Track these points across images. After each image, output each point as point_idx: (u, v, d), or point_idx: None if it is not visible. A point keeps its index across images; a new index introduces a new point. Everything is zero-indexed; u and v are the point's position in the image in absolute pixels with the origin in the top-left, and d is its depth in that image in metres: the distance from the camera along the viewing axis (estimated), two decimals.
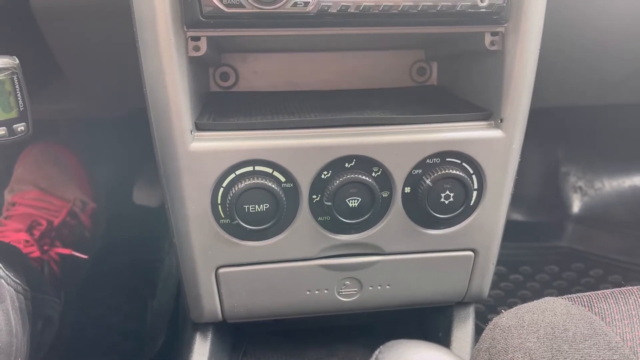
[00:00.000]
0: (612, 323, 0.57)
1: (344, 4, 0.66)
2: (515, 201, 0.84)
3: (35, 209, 1.28)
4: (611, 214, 1.69)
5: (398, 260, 0.85)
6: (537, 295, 1.36)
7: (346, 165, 0.76)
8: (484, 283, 0.91)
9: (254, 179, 0.73)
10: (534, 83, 0.76)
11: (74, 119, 1.49)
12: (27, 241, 1.17)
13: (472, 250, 0.86)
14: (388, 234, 0.81)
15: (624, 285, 0.64)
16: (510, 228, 0.89)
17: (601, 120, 1.61)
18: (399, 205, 0.79)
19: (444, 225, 0.82)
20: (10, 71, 0.72)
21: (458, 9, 0.68)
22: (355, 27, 0.71)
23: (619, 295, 0.61)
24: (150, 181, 1.67)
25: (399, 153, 0.76)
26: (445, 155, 0.77)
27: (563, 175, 1.73)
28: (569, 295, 0.63)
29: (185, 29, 0.68)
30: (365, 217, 0.77)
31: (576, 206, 1.71)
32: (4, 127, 0.74)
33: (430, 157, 0.77)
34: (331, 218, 0.78)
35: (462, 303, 0.95)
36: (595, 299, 0.61)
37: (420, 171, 0.77)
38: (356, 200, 0.76)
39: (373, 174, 0.77)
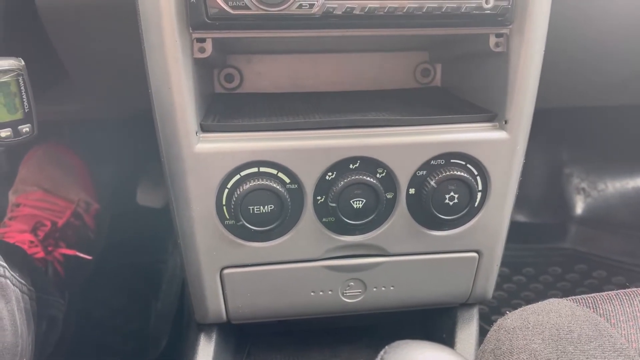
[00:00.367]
0: (617, 324, 0.57)
1: (349, 5, 0.66)
2: (519, 202, 0.84)
3: (39, 209, 1.29)
4: (614, 215, 1.69)
5: (402, 261, 0.85)
6: (541, 296, 1.36)
7: (351, 166, 0.76)
8: (488, 284, 0.91)
9: (258, 180, 0.73)
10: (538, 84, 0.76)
11: (79, 120, 1.49)
12: (31, 242, 1.17)
13: (477, 251, 0.86)
14: (392, 235, 0.82)
15: (628, 287, 0.64)
16: (514, 229, 0.89)
17: (604, 121, 1.60)
18: (404, 207, 0.79)
19: (449, 227, 0.82)
20: (15, 73, 0.73)
21: (463, 10, 0.68)
22: (360, 28, 0.71)
23: (624, 297, 0.61)
24: (154, 182, 1.67)
25: (403, 154, 0.76)
26: (449, 157, 0.77)
27: (566, 177, 1.73)
28: (574, 297, 0.63)
29: (191, 31, 0.68)
30: (370, 218, 0.78)
31: (579, 208, 1.71)
32: (9, 128, 0.74)
33: (435, 158, 0.77)
34: (336, 219, 0.78)
35: (466, 304, 0.95)
36: (600, 300, 0.61)
37: (424, 172, 0.78)
38: (360, 202, 0.76)
39: (377, 175, 0.77)
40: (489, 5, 0.69)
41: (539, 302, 0.62)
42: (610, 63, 1.04)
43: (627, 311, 0.58)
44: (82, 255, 1.23)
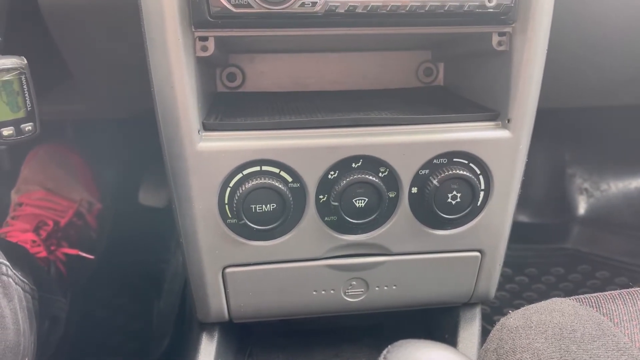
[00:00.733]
0: (620, 324, 0.57)
1: (352, 4, 0.66)
2: (521, 203, 0.84)
3: (41, 209, 1.29)
4: (617, 215, 1.69)
5: (404, 260, 0.85)
6: (543, 297, 1.35)
7: (353, 165, 0.76)
8: (491, 284, 0.90)
9: (261, 179, 0.73)
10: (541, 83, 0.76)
11: (81, 119, 1.49)
12: (34, 241, 1.17)
13: (479, 250, 0.86)
14: (395, 234, 0.81)
15: (631, 287, 0.64)
16: (516, 229, 0.89)
17: (607, 121, 1.60)
18: (406, 206, 0.79)
19: (451, 226, 0.82)
20: (18, 71, 0.73)
21: (465, 9, 0.68)
22: (362, 27, 0.71)
23: (627, 296, 0.60)
24: (156, 182, 1.68)
25: (405, 153, 0.76)
26: (452, 156, 0.77)
27: (569, 177, 1.73)
28: (577, 296, 0.63)
29: (193, 29, 0.68)
30: (372, 217, 0.77)
31: (582, 208, 1.71)
32: (12, 127, 0.74)
33: (437, 157, 0.77)
34: (338, 218, 0.78)
35: (469, 304, 0.95)
36: (603, 299, 0.61)
37: (427, 171, 0.77)
38: (363, 201, 0.76)
39: (380, 174, 0.77)
40: (492, 4, 0.69)
41: (542, 302, 0.62)
42: (613, 63, 1.04)
43: (630, 310, 0.58)
44: (84, 254, 1.23)
